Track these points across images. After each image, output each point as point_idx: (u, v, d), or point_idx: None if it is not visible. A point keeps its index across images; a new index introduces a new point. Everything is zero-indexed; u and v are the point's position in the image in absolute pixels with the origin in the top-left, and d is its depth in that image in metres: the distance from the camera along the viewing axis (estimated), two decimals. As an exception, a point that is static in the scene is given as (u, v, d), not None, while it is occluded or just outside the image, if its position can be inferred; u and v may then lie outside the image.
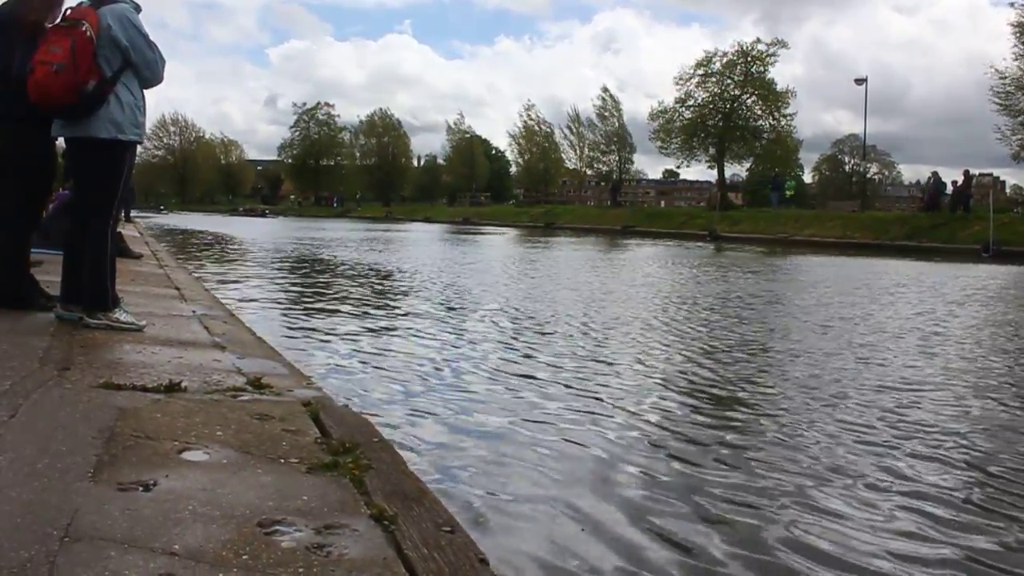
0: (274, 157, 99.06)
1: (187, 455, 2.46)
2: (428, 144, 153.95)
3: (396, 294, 11.17)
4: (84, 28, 4.21)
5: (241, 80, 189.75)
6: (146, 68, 4.47)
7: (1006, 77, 34.09)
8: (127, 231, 11.91)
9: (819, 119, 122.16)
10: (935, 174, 34.21)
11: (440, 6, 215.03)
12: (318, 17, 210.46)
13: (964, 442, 4.25)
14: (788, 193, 40.79)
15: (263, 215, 68.79)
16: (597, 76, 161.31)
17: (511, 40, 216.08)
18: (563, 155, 71.92)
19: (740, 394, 5.30)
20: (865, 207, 43.81)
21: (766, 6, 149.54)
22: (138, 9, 4.50)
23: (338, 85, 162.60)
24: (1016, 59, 33.67)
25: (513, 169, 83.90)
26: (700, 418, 4.69)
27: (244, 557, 1.79)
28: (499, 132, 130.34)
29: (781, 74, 48.86)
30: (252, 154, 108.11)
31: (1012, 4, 33.42)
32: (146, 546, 1.79)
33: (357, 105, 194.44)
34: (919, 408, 4.97)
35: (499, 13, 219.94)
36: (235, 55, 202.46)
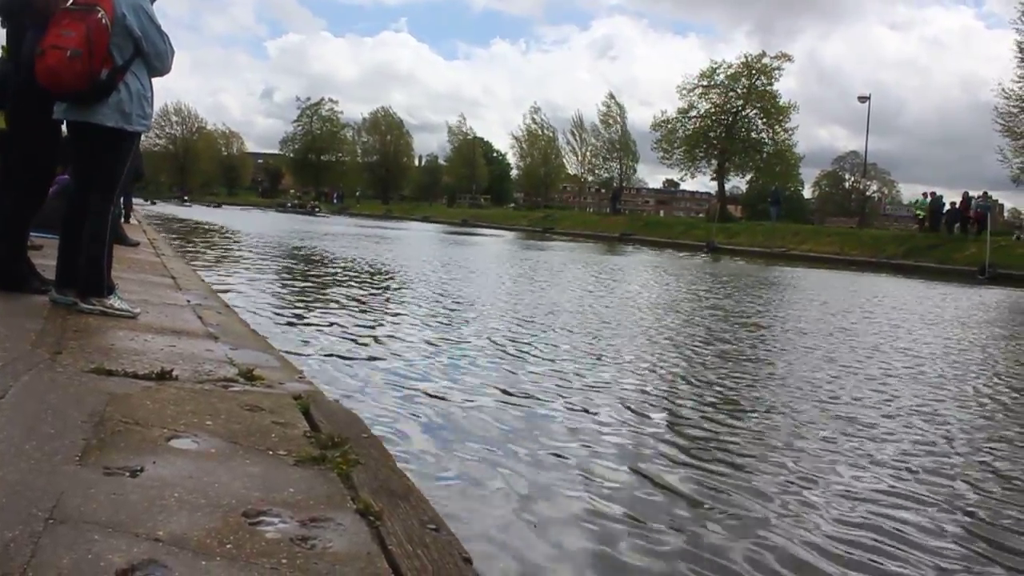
0: (270, 150, 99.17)
1: (175, 443, 2.46)
2: (424, 143, 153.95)
3: (392, 291, 11.16)
4: (100, 15, 4.15)
5: (238, 72, 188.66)
6: (156, 58, 4.45)
7: (1010, 96, 33.91)
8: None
9: (812, 133, 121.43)
10: (933, 194, 34.24)
11: (435, 6, 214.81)
12: (314, 12, 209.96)
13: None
14: (918, 214, 33.81)
15: (313, 212, 60.86)
16: (593, 81, 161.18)
17: (507, 43, 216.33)
18: (564, 160, 72.06)
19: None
20: (864, 224, 43.81)
21: (759, 18, 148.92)
22: None
23: (334, 81, 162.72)
24: (1019, 80, 33.62)
25: (514, 172, 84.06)
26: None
27: (228, 546, 1.79)
28: (494, 134, 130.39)
29: (779, 88, 48.94)
30: (249, 147, 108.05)
31: (1017, 28, 33.26)
32: (130, 531, 1.79)
33: (353, 101, 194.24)
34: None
35: (494, 15, 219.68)
36: (232, 47, 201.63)
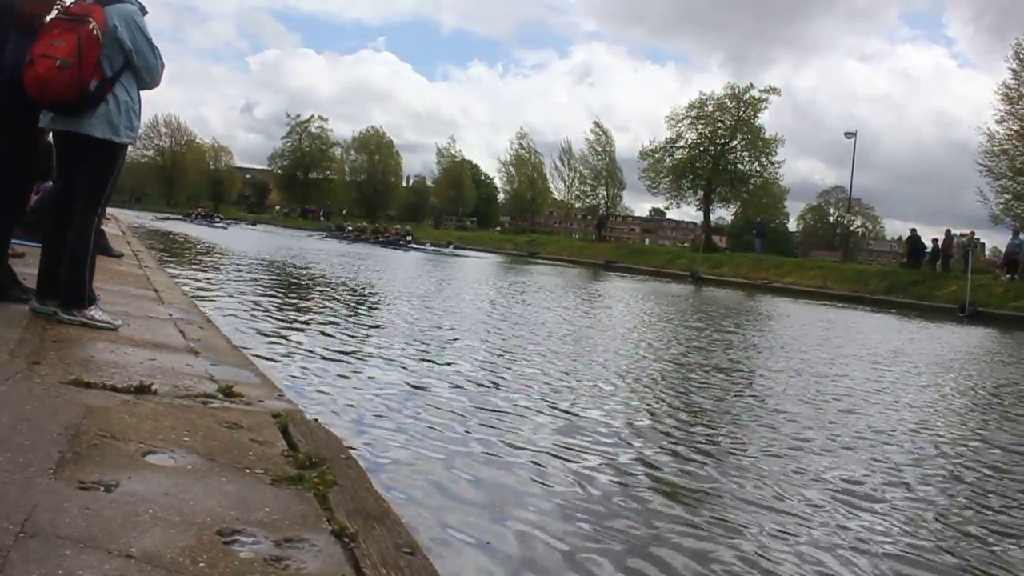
0: (251, 165, 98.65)
1: (152, 458, 2.44)
2: (404, 163, 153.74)
3: (375, 312, 11.15)
4: (91, 26, 4.14)
5: (218, 86, 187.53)
6: (146, 72, 4.45)
7: (994, 137, 34.19)
8: (108, 229, 11.81)
9: (789, 167, 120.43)
10: (914, 231, 34.61)
11: (410, 26, 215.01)
12: (291, 28, 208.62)
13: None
14: None
15: (404, 244, 43.24)
16: (572, 106, 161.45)
17: (484, 65, 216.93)
18: (551, 185, 72.23)
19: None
20: (847, 259, 44.15)
21: (733, 48, 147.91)
22: (144, 11, 4.48)
23: (314, 97, 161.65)
24: (1000, 122, 34.03)
25: (501, 196, 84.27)
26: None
27: (201, 564, 1.78)
28: (473, 156, 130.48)
29: (759, 120, 49.23)
30: (230, 161, 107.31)
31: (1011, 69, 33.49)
32: (103, 547, 1.77)
33: (333, 119, 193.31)
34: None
35: (464, 35, 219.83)
36: (214, 60, 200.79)
